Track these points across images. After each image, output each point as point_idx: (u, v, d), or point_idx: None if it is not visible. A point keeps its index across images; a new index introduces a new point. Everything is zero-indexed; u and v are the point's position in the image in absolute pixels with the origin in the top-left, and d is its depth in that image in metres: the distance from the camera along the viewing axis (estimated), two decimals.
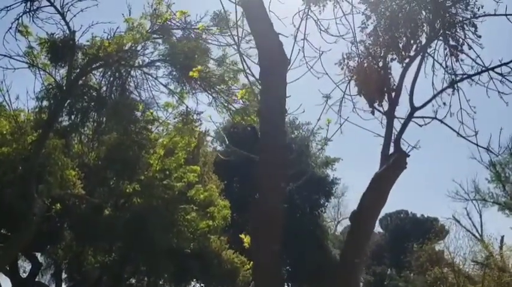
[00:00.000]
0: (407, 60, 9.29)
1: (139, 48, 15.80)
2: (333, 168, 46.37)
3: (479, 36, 9.44)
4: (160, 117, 16.92)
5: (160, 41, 16.06)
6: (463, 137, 7.44)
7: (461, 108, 7.85)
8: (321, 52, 8.78)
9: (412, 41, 9.90)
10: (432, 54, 8.65)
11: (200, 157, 25.79)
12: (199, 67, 7.23)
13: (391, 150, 7.39)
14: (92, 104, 16.63)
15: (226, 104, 16.00)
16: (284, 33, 8.18)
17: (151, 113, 16.93)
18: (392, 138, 7.17)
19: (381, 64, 9.17)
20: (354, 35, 10.25)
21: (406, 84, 8.48)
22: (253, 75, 7.66)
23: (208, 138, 33.33)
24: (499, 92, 8.50)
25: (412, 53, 9.49)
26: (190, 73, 7.11)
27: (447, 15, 10.12)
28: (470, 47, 9.27)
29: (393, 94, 7.78)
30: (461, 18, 9.84)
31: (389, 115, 7.39)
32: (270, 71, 7.42)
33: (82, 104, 16.81)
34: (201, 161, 25.34)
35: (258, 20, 8.01)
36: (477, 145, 7.58)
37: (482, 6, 9.52)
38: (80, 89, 16.62)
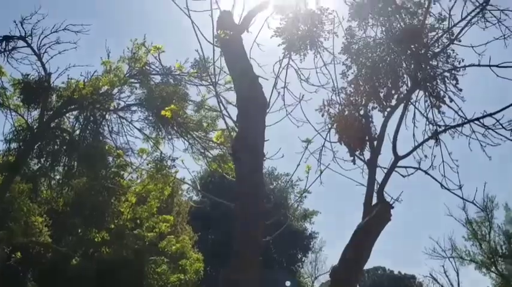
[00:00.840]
0: (388, 109, 9.13)
1: (115, 91, 15.47)
2: (311, 221, 45.73)
3: (460, 90, 9.35)
4: (133, 164, 16.37)
5: (137, 85, 15.76)
6: (448, 190, 7.13)
7: (443, 161, 7.58)
8: (300, 99, 8.56)
9: (393, 91, 9.78)
10: (414, 104, 8.44)
11: (174, 206, 25.01)
12: (172, 106, 6.85)
13: (374, 200, 7.01)
14: (64, 147, 16.02)
15: (202, 151, 15.59)
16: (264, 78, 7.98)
17: (121, 158, 16.31)
18: (375, 188, 6.80)
19: (362, 112, 8.95)
20: (335, 85, 10.15)
21: (389, 132, 8.23)
22: (230, 118, 7.32)
23: (184, 187, 32.56)
24: (481, 145, 8.28)
25: (393, 103, 9.35)
26: (163, 112, 6.74)
27: (428, 67, 10.12)
28: (451, 100, 9.14)
29: (375, 143, 7.47)
30: (441, 71, 9.83)
31: (372, 164, 7.05)
32: (248, 113, 7.10)
33: (53, 148, 16.18)
34: (174, 211, 24.54)
35: (236, 61, 7.78)
36: (462, 198, 7.26)
37: (463, 60, 9.52)
38: (52, 132, 16.05)
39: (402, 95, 9.01)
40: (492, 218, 35.83)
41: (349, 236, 6.36)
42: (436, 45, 10.69)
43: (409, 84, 9.81)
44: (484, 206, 34.35)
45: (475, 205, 7.20)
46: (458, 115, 8.92)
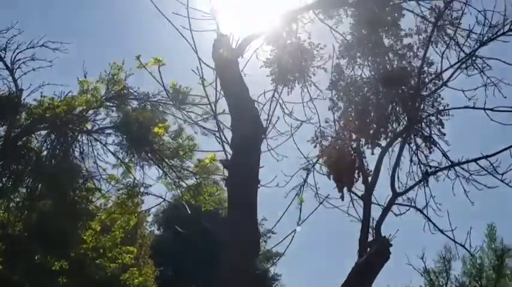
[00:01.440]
0: (376, 148, 9.04)
1: (90, 113, 14.92)
2: (274, 263, 44.82)
3: (444, 134, 9.32)
4: (102, 189, 15.66)
5: (113, 108, 15.28)
6: (441, 232, 6.95)
7: (427, 204, 7.45)
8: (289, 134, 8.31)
9: (381, 129, 9.72)
10: (409, 143, 8.37)
11: (137, 238, 24.07)
12: (166, 123, 6.49)
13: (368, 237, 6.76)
14: (29, 168, 15.21)
15: (177, 180, 15.09)
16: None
17: (90, 182, 15.61)
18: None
19: (354, 146, 8.81)
20: (319, 120, 10.09)
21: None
22: (226, 141, 7.00)
23: (149, 219, 31.56)
24: (465, 191, 8.21)
25: (382, 141, 9.27)
26: (156, 129, 6.39)
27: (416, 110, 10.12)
28: (436, 144, 9.10)
29: (369, 178, 7.29)
30: (427, 114, 9.86)
31: (367, 200, 6.83)
32: (244, 138, 6.80)
33: (17, 167, 15.35)
34: (137, 243, 23.58)
35: (233, 84, 7.52)
36: (454, 240, 7.09)
37: (447, 105, 9.60)
38: (18, 151, 15.26)
39: (392, 134, 8.95)
40: (450, 269, 36.14)
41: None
42: (424, 88, 10.85)
43: (395, 125, 9.83)
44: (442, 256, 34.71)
45: (467, 249, 7.04)
46: (446, 157, 8.93)
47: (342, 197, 8.32)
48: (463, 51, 9.81)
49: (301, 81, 11.32)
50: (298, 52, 11.18)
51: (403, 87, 10.90)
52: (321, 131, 8.66)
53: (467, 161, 7.94)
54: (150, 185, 14.47)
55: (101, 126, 15.26)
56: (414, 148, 8.95)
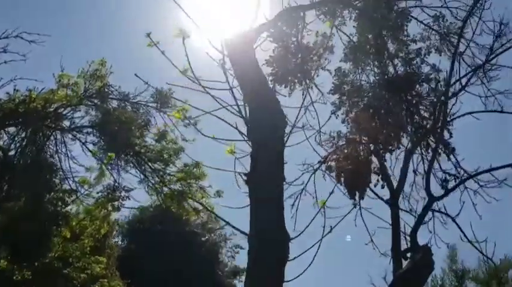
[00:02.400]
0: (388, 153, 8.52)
1: (68, 110, 13.87)
2: (242, 279, 43.86)
3: (453, 149, 8.81)
4: (77, 191, 14.50)
5: (93, 106, 14.28)
6: (470, 242, 6.40)
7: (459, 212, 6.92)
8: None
9: (392, 135, 9.21)
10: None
11: (106, 248, 22.73)
12: (186, 106, 5.76)
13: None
14: None
15: (158, 185, 14.16)
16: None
17: (65, 183, 14.46)
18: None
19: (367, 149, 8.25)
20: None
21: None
22: (242, 135, 6.28)
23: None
24: (472, 203, 7.75)
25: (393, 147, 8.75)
26: (174, 113, 5.62)
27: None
28: (454, 151, 8.62)
29: (396, 183, 6.70)
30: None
31: (395, 205, 6.22)
32: (265, 130, 6.06)
33: None
34: (106, 253, 22.24)
35: (249, 72, 6.80)
36: (481, 252, 6.55)
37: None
38: None
39: (409, 138, 8.45)
40: None
41: None
42: (430, 96, 10.46)
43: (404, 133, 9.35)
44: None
45: (493, 262, 6.51)
46: (460, 168, 8.47)
47: (355, 204, 7.72)
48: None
49: (303, 82, 10.80)
50: (302, 52, 10.66)
51: (412, 92, 10.55)
52: (338, 133, 8.03)
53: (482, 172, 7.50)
54: (132, 189, 13.54)
55: (79, 124, 14.22)
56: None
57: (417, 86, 10.51)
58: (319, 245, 5.32)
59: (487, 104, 8.21)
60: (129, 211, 15.85)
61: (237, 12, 7.65)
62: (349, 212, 4.91)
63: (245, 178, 5.83)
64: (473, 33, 7.89)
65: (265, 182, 5.58)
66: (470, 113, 7.62)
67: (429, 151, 7.99)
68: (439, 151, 7.76)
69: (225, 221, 5.23)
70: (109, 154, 13.07)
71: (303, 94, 11.01)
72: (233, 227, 5.23)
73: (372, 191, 7.26)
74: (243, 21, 7.76)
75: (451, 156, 8.02)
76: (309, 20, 10.64)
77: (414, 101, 10.35)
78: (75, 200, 14.19)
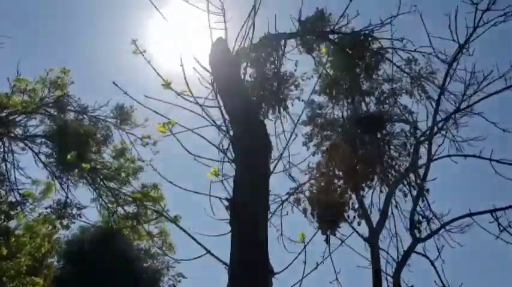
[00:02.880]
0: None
1: (22, 117, 12.99)
2: None
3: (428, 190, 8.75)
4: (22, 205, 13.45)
5: (50, 115, 13.46)
6: None
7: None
8: None
9: (367, 173, 9.05)
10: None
11: (44, 268, 21.23)
12: (172, 120, 5.35)
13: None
14: None
15: (112, 206, 13.38)
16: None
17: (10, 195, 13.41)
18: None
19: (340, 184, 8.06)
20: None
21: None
22: (228, 158, 5.95)
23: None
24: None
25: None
26: (158, 126, 5.18)
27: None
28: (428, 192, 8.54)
29: (376, 219, 6.51)
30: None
31: (374, 243, 6.00)
32: (250, 154, 5.73)
33: None
34: (43, 274, 20.76)
35: (234, 94, 6.52)
36: None
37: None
38: None
39: (383, 177, 8.33)
40: None
41: None
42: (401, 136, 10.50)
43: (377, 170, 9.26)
44: None
45: None
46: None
47: (328, 240, 7.46)
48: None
49: (276, 111, 10.62)
50: (279, 80, 10.53)
51: (378, 131, 10.56)
52: (308, 165, 7.82)
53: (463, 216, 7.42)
54: (85, 207, 12.70)
55: (32, 133, 13.32)
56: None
57: (388, 125, 10.58)
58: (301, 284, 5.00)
59: (463, 147, 8.25)
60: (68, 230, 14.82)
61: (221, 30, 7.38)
62: (334, 250, 4.58)
63: (226, 203, 5.45)
64: (446, 81, 7.95)
65: (250, 210, 5.21)
66: (448, 155, 7.59)
67: (410, 190, 7.88)
68: (424, 191, 7.64)
69: (206, 249, 4.78)
70: (83, 165, 12.33)
71: (274, 123, 10.89)
72: (214, 256, 4.80)
73: (352, 227, 7.02)
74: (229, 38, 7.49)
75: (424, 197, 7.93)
76: (289, 49, 10.64)
77: (385, 140, 10.37)
78: (17, 214, 13.16)
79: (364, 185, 8.22)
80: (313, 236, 5.69)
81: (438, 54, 9.80)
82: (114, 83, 5.95)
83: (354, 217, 7.22)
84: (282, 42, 10.44)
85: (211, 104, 6.49)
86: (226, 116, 6.52)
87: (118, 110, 15.52)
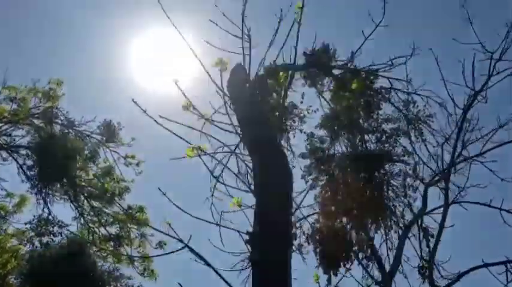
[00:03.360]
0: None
1: (8, 126, 12.45)
2: None
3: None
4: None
5: (37, 126, 12.95)
6: None
7: None
8: None
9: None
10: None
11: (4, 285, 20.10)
12: (204, 145, 5.17)
13: None
14: None
15: (93, 226, 12.82)
16: None
17: None
18: None
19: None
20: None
21: None
22: (249, 188, 5.74)
23: None
24: None
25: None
26: (187, 150, 4.97)
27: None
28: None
29: (389, 264, 6.31)
30: None
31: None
32: (271, 186, 5.55)
33: None
34: None
35: (255, 122, 6.40)
36: None
37: None
38: None
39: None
40: None
41: None
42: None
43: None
44: None
45: None
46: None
47: (329, 281, 7.21)
48: None
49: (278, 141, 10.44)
50: (282, 110, 10.39)
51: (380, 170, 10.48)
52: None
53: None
54: (67, 225, 12.11)
55: (17, 143, 12.76)
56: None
57: (387, 165, 10.53)
58: None
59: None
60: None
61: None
62: None
63: (247, 237, 5.21)
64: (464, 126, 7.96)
65: (272, 245, 4.96)
66: (460, 202, 7.52)
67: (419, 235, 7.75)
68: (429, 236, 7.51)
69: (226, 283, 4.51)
70: None
71: None
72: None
73: (365, 269, 6.80)
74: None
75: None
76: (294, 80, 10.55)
77: (383, 180, 10.29)
78: None
79: (370, 225, 8.05)
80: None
81: (435, 98, 9.95)
82: (133, 100, 5.73)
83: (363, 258, 7.04)
84: (289, 73, 10.39)
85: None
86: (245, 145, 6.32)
87: (105, 127, 15.14)
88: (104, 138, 15.02)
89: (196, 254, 4.34)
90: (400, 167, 10.73)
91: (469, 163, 7.67)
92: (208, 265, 4.31)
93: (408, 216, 9.32)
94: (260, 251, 4.83)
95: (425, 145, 10.57)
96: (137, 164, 15.02)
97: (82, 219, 12.98)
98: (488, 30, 8.75)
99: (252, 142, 6.03)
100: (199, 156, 5.08)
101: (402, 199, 10.28)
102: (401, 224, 7.92)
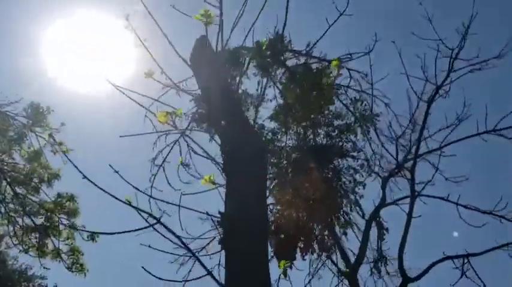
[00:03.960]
0: None
1: None
2: None
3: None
4: None
5: None
6: None
7: None
8: None
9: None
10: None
11: None
12: (178, 110, 4.65)
13: None
14: None
15: (15, 215, 11.57)
16: None
17: None
18: None
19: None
20: None
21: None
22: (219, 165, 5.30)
23: None
24: None
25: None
26: (159, 115, 4.41)
27: None
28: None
29: (355, 253, 6.05)
30: None
31: (353, 279, 5.53)
32: (245, 162, 5.14)
33: None
34: None
35: (224, 96, 5.98)
36: None
37: None
38: None
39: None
40: None
41: None
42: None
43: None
44: None
45: None
46: None
47: (285, 273, 6.84)
48: None
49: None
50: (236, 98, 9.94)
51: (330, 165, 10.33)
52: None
53: None
54: None
55: None
56: None
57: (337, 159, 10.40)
58: None
59: None
60: None
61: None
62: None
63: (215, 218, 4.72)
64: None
65: (250, 231, 4.50)
66: (418, 195, 7.42)
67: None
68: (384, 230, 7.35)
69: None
70: None
71: None
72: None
73: (332, 261, 6.49)
74: None
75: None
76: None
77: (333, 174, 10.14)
78: None
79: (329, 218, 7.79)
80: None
81: (382, 98, 9.98)
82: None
83: (324, 250, 6.73)
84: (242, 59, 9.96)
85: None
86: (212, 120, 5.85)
87: (32, 110, 13.89)
88: (31, 122, 13.78)
89: (170, 230, 3.78)
90: (349, 163, 10.73)
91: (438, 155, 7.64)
92: (183, 243, 3.77)
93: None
94: (238, 239, 4.32)
95: (370, 144, 10.60)
96: (64, 152, 13.89)
97: (2, 207, 11.70)
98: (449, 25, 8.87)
99: (222, 117, 5.55)
100: (173, 122, 4.52)
101: (350, 195, 10.21)
102: (363, 217, 7.75)
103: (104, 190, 3.81)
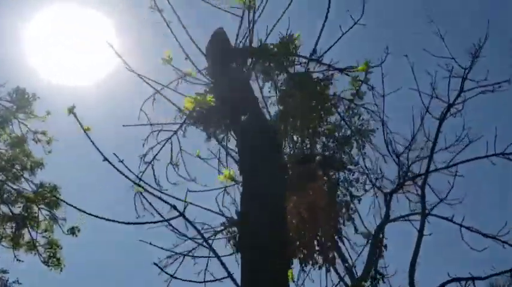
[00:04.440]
0: None
1: None
2: None
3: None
4: None
5: None
6: None
7: None
8: None
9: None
10: None
11: None
12: (209, 97, 4.42)
13: None
14: None
15: None
16: None
17: None
18: None
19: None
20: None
21: None
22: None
23: None
24: None
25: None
26: (186, 102, 4.16)
27: None
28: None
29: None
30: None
31: None
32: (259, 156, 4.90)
33: None
34: None
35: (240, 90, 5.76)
36: None
37: None
38: None
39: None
40: None
41: None
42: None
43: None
44: None
45: None
46: None
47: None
48: None
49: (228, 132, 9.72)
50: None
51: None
52: None
53: None
54: None
55: None
56: None
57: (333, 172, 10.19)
58: None
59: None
60: None
61: None
62: None
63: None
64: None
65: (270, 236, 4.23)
66: (428, 214, 7.24)
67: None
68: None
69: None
70: None
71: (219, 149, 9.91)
72: None
73: (332, 268, 6.23)
74: None
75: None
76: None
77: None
78: None
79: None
80: None
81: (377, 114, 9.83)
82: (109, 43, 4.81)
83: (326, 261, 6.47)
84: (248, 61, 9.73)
85: None
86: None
87: (17, 95, 13.39)
88: (15, 107, 13.26)
89: (191, 223, 3.51)
90: (345, 176, 10.52)
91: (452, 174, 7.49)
92: (203, 237, 3.53)
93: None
94: (255, 240, 4.03)
95: (364, 159, 10.43)
96: (48, 142, 13.38)
97: None
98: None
99: (237, 110, 5.31)
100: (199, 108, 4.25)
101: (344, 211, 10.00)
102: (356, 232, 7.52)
103: (128, 178, 3.50)
